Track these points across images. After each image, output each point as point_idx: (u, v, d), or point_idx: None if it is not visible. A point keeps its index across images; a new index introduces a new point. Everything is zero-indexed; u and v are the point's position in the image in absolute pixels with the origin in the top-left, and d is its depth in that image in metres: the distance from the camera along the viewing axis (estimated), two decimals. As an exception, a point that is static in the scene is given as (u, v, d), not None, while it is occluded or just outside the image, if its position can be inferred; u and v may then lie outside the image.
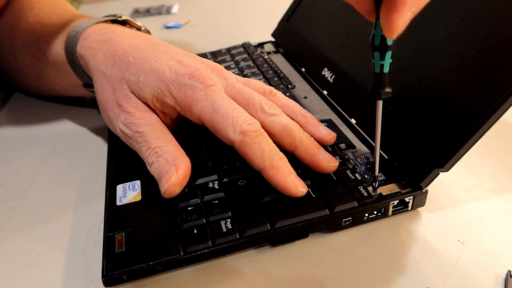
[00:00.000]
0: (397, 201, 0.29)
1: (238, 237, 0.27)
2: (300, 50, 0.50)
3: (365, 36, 0.39)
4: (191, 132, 0.38)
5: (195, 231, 0.28)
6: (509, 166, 0.35)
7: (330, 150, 0.33)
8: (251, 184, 0.31)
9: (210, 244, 0.27)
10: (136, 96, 0.33)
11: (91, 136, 0.43)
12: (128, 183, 0.32)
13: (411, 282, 0.26)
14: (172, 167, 0.30)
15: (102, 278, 0.26)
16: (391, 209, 0.30)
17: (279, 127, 0.32)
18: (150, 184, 0.32)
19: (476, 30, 0.29)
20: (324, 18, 0.48)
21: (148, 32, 0.42)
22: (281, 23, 0.57)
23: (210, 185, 0.31)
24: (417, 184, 0.29)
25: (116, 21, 0.41)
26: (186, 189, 0.31)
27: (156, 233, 0.28)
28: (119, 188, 0.32)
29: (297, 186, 0.29)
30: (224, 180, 0.32)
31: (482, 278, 0.26)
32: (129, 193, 0.31)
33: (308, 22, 0.51)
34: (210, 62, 0.35)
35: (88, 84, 0.39)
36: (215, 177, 0.32)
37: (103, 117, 0.36)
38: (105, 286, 0.26)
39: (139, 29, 0.42)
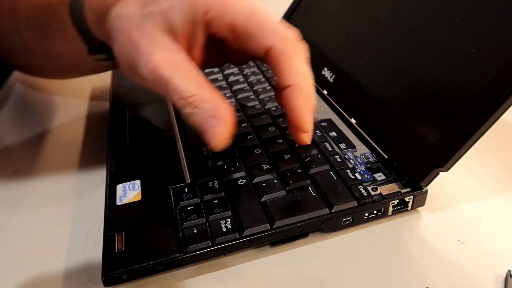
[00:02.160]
0: (397, 200, 0.29)
1: (238, 236, 0.27)
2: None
3: (365, 36, 0.39)
4: (191, 131, 0.38)
5: (195, 231, 0.28)
6: (509, 166, 0.35)
7: (330, 149, 0.33)
8: (251, 184, 0.31)
9: (210, 244, 0.27)
10: (163, 30, 0.28)
11: (91, 136, 0.43)
12: (128, 183, 0.32)
13: (411, 281, 0.26)
14: (214, 119, 0.26)
15: (102, 277, 0.26)
16: (391, 209, 0.30)
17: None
18: (150, 184, 0.32)
19: (476, 30, 0.29)
20: (324, 18, 0.48)
21: None
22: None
23: (210, 184, 0.31)
24: (417, 184, 0.29)
25: None
26: (186, 189, 0.31)
27: (156, 233, 0.28)
28: (119, 187, 0.32)
29: (311, 118, 0.28)
30: (224, 180, 0.32)
31: (482, 277, 0.26)
32: (129, 192, 0.31)
33: (308, 21, 0.51)
34: None
35: (94, 49, 0.36)
36: (215, 176, 0.32)
37: (124, 71, 0.31)
38: (105, 286, 0.26)
39: None
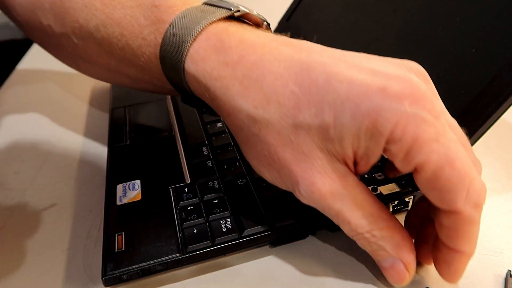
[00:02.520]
0: (397, 201, 0.29)
1: (238, 236, 0.27)
2: (300, 49, 0.50)
3: (365, 36, 0.39)
4: (191, 131, 0.38)
5: (195, 231, 0.28)
6: (509, 166, 0.35)
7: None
8: (251, 184, 0.31)
9: (210, 244, 0.27)
10: (324, 150, 0.22)
11: (91, 136, 0.43)
12: (128, 183, 0.32)
13: (410, 281, 0.26)
14: (398, 261, 0.23)
15: (102, 277, 0.26)
16: (391, 208, 0.30)
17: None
18: (150, 184, 0.32)
19: (476, 29, 0.29)
20: (324, 18, 0.48)
21: (268, 26, 0.29)
22: (281, 23, 0.57)
23: (210, 184, 0.31)
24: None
25: (231, 16, 0.26)
26: (186, 189, 0.31)
27: (156, 233, 0.28)
28: (119, 187, 0.32)
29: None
30: (224, 180, 0.32)
31: (482, 277, 0.26)
32: (129, 192, 0.31)
33: (308, 22, 0.51)
34: (405, 62, 0.23)
35: (187, 98, 0.29)
36: (215, 176, 0.32)
37: (251, 163, 0.25)
38: (105, 285, 0.26)
39: (259, 24, 0.28)
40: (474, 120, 0.26)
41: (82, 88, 0.52)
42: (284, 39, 0.24)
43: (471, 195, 0.20)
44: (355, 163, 0.22)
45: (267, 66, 0.22)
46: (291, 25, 0.54)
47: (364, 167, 0.22)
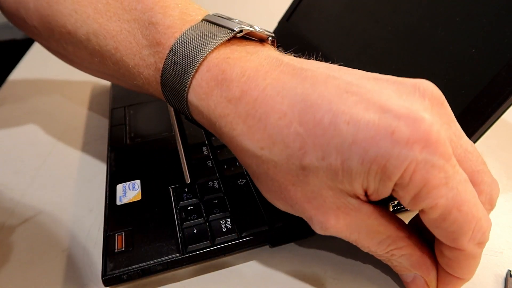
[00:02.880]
0: (397, 200, 0.29)
1: (238, 236, 0.27)
2: (300, 50, 0.50)
3: (365, 35, 0.39)
4: (191, 131, 0.38)
5: (195, 231, 0.28)
6: (509, 166, 0.35)
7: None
8: (251, 184, 0.31)
9: (210, 244, 0.27)
10: (334, 189, 0.21)
11: (91, 136, 0.43)
12: (128, 183, 0.32)
13: None
14: (419, 277, 0.23)
15: (102, 277, 0.26)
16: (391, 208, 0.29)
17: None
18: (150, 184, 0.32)
19: (476, 29, 0.29)
20: (324, 18, 0.48)
21: (274, 40, 0.27)
22: (281, 23, 0.57)
23: (210, 184, 0.31)
24: (417, 184, 0.29)
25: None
26: (186, 189, 0.31)
27: (156, 233, 0.28)
28: (119, 187, 0.32)
29: None
30: (224, 180, 0.32)
31: (482, 277, 0.26)
32: (129, 192, 0.31)
33: (308, 22, 0.51)
34: (419, 84, 0.21)
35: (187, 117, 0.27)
36: (215, 176, 0.32)
37: (266, 196, 0.24)
38: (105, 285, 0.26)
39: (264, 39, 0.26)
40: (474, 120, 0.26)
41: (82, 88, 0.52)
42: (288, 64, 0.23)
43: (476, 234, 0.20)
44: (367, 195, 0.22)
45: (269, 103, 0.21)
46: (291, 25, 0.54)
47: (376, 198, 0.22)
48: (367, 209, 0.22)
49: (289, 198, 0.22)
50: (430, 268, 0.23)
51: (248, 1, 0.85)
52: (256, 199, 0.30)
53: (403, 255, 0.23)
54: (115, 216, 0.29)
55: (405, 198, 0.20)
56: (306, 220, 0.23)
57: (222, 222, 0.28)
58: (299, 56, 0.25)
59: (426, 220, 0.21)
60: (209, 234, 0.27)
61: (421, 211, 0.21)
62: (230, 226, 0.28)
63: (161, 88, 0.26)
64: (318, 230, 0.22)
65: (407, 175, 0.19)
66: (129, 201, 0.31)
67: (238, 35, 0.25)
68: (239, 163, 0.33)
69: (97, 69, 0.31)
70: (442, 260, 0.23)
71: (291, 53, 0.25)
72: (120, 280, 0.26)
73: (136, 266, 0.26)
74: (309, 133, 0.20)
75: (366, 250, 0.23)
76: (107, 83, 0.51)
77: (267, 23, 0.60)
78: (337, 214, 0.22)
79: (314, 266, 0.27)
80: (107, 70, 0.29)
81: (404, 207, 0.30)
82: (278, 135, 0.21)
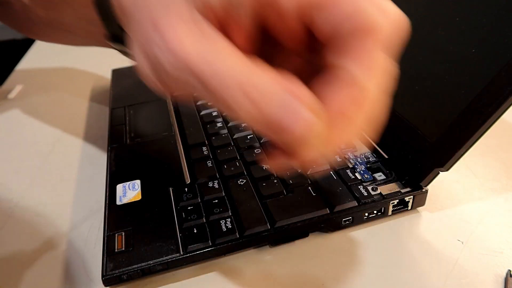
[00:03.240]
0: (397, 200, 0.29)
1: (238, 236, 0.27)
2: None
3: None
4: (191, 131, 0.38)
5: (195, 231, 0.28)
6: (509, 166, 0.35)
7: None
8: (251, 184, 0.31)
9: (210, 244, 0.27)
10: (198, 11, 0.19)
11: (91, 136, 0.43)
12: (128, 183, 0.32)
13: (410, 281, 0.26)
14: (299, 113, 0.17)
15: (102, 277, 0.26)
16: (391, 208, 0.30)
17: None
18: (150, 184, 0.32)
19: (476, 30, 0.29)
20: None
21: None
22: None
23: (210, 184, 0.31)
24: (417, 184, 0.29)
25: None
26: (186, 189, 0.31)
27: (156, 233, 0.28)
28: (119, 187, 0.32)
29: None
30: (224, 180, 0.32)
31: (482, 277, 0.26)
32: (129, 192, 0.31)
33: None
34: None
35: (115, 36, 0.28)
36: (215, 176, 0.32)
37: (134, 59, 0.22)
38: (105, 285, 0.26)
39: None
40: (474, 120, 0.26)
41: (82, 88, 0.52)
42: None
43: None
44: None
45: None
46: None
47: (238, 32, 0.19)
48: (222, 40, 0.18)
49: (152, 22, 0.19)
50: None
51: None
52: (256, 199, 0.29)
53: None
54: (115, 216, 0.29)
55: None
56: (148, 29, 0.19)
57: (222, 222, 0.28)
58: None
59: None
60: (209, 234, 0.27)
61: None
62: (230, 226, 0.28)
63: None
64: (157, 47, 0.19)
65: None
66: (129, 201, 0.31)
67: None
68: (239, 163, 0.33)
69: (45, 18, 0.32)
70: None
71: None
72: (120, 280, 0.26)
73: (136, 266, 0.26)
74: None
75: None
76: (107, 83, 0.51)
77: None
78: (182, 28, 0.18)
79: (314, 265, 0.27)
80: (53, 12, 0.31)
81: (403, 207, 0.30)
82: None
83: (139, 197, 0.31)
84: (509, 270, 0.26)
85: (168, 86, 0.21)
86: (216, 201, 0.30)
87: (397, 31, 0.19)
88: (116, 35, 0.28)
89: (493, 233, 0.29)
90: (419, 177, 0.29)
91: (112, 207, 0.30)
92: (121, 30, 0.26)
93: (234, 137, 0.37)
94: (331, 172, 0.31)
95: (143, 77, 0.22)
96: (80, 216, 0.33)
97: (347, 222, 0.29)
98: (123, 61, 0.55)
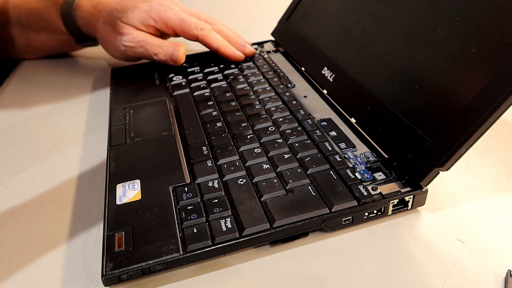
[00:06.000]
0: (397, 200, 0.29)
1: (237, 236, 0.27)
2: (300, 49, 0.50)
3: (365, 35, 0.39)
4: (191, 131, 0.38)
5: (195, 230, 0.28)
6: (509, 165, 0.35)
7: (330, 149, 0.33)
8: (251, 183, 0.31)
9: (210, 243, 0.27)
10: (128, 24, 0.48)
11: (91, 136, 0.43)
12: (128, 182, 0.32)
13: (410, 281, 0.26)
14: (176, 46, 0.49)
15: (102, 277, 0.26)
16: (391, 208, 0.30)
17: (216, 27, 0.52)
18: (150, 183, 0.32)
19: (476, 29, 0.29)
20: (324, 17, 0.48)
21: None
22: (281, 22, 0.57)
23: (210, 184, 0.31)
24: (417, 183, 0.29)
25: None
26: (186, 188, 0.31)
27: (156, 232, 0.28)
28: (119, 187, 0.32)
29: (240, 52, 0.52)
30: (224, 179, 0.32)
31: (482, 277, 0.26)
32: (129, 192, 0.31)
33: (308, 21, 0.51)
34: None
35: (81, 38, 0.54)
36: (215, 176, 0.32)
37: (109, 51, 0.51)
38: (105, 285, 0.26)
39: None
40: (474, 120, 0.26)
41: (82, 88, 0.52)
42: None
43: (198, 27, 0.50)
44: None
45: (109, 2, 0.50)
46: (291, 24, 0.54)
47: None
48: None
49: (113, 34, 0.49)
50: (180, 44, 0.50)
51: (248, 1, 0.85)
52: (256, 198, 0.30)
53: (166, 43, 0.49)
54: (115, 215, 0.29)
55: (161, 25, 0.50)
56: (118, 42, 0.49)
57: (222, 222, 0.28)
58: None
59: (175, 29, 0.50)
60: (209, 233, 0.27)
61: (173, 27, 0.50)
62: (230, 226, 0.28)
63: (61, 18, 0.53)
64: (125, 40, 0.48)
65: (157, 15, 0.49)
66: (129, 201, 0.31)
67: None
68: (239, 163, 0.33)
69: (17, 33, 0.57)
70: None
71: None
72: (120, 279, 0.26)
73: (136, 265, 0.26)
74: (121, 7, 0.49)
75: (148, 45, 0.49)
76: (107, 83, 0.51)
77: (267, 22, 0.60)
78: (131, 31, 0.48)
79: (314, 265, 0.27)
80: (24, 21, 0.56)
81: (403, 207, 0.30)
82: (110, 11, 0.50)
83: (139, 197, 0.31)
84: (509, 270, 0.26)
85: (126, 55, 0.50)
86: (216, 200, 0.30)
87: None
88: (82, 39, 0.55)
89: (493, 233, 0.29)
90: (419, 177, 0.29)
91: (112, 207, 0.30)
92: (85, 35, 0.54)
93: (234, 137, 0.37)
94: (331, 172, 0.31)
95: (112, 56, 0.52)
96: (80, 216, 0.33)
97: (347, 222, 0.29)
98: (123, 61, 0.55)
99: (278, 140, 0.35)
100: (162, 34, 0.51)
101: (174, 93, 0.45)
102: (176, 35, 0.50)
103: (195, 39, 0.49)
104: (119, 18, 0.48)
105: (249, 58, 0.53)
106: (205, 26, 0.49)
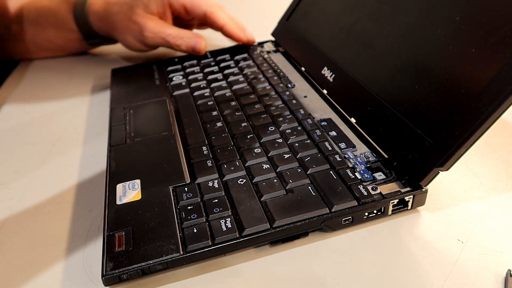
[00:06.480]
0: (397, 200, 0.29)
1: (237, 236, 0.27)
2: (300, 49, 0.50)
3: (365, 35, 0.39)
4: (191, 130, 0.38)
5: (195, 230, 0.28)
6: (509, 165, 0.35)
7: (330, 149, 0.33)
8: (251, 183, 0.31)
9: (210, 243, 0.27)
10: (144, 12, 0.51)
11: (91, 136, 0.43)
12: (128, 182, 0.32)
13: (410, 281, 0.26)
14: (198, 38, 0.51)
15: (102, 277, 0.26)
16: (391, 208, 0.30)
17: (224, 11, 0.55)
18: (150, 183, 0.32)
19: (476, 29, 0.29)
20: (324, 17, 0.48)
21: None
22: (281, 22, 0.57)
23: (210, 184, 0.31)
24: (417, 183, 0.29)
25: None
26: (186, 188, 0.31)
27: (156, 232, 0.28)
28: (119, 187, 0.32)
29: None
30: (224, 179, 0.32)
31: (482, 277, 0.26)
32: (129, 192, 0.31)
33: (308, 21, 0.51)
34: None
35: (89, 35, 0.55)
36: (215, 175, 0.32)
37: (127, 40, 0.53)
38: (105, 285, 0.26)
39: None
40: (474, 120, 0.26)
41: (82, 88, 0.52)
42: None
43: (208, 3, 0.54)
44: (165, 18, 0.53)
45: None
46: (291, 24, 0.54)
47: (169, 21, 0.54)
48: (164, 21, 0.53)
49: (131, 23, 0.51)
50: (200, 35, 0.52)
51: (248, 1, 0.85)
52: (256, 198, 0.30)
53: (187, 33, 0.52)
54: (115, 215, 0.29)
55: (175, 5, 0.53)
56: (138, 33, 0.51)
57: (222, 222, 0.28)
58: None
59: (187, 8, 0.53)
60: (209, 233, 0.27)
61: (185, 6, 0.53)
62: (230, 226, 0.28)
63: (73, 14, 0.54)
64: (147, 31, 0.51)
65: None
66: (129, 201, 0.31)
67: None
68: (239, 162, 0.33)
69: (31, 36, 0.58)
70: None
71: None
72: (120, 279, 0.26)
73: (136, 265, 0.26)
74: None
75: (169, 37, 0.51)
76: (107, 83, 0.51)
77: (267, 22, 0.60)
78: (151, 21, 0.51)
79: (314, 265, 0.27)
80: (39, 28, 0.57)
81: (403, 207, 0.30)
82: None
83: (139, 197, 0.31)
84: (509, 270, 0.26)
85: (148, 46, 0.53)
86: (216, 200, 0.30)
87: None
88: (91, 37, 0.56)
89: (493, 233, 0.29)
90: (419, 177, 0.29)
91: (112, 207, 0.30)
92: (94, 32, 0.55)
93: (234, 136, 0.37)
94: (331, 172, 0.31)
95: (132, 49, 0.55)
96: (80, 216, 0.33)
97: (347, 222, 0.29)
98: (123, 61, 0.55)
99: (278, 140, 0.35)
100: (174, 18, 0.54)
101: (174, 93, 0.45)
102: (186, 13, 0.52)
103: (203, 15, 0.52)
104: (135, 7, 0.50)
105: (249, 56, 0.53)
106: (214, 4, 0.53)
